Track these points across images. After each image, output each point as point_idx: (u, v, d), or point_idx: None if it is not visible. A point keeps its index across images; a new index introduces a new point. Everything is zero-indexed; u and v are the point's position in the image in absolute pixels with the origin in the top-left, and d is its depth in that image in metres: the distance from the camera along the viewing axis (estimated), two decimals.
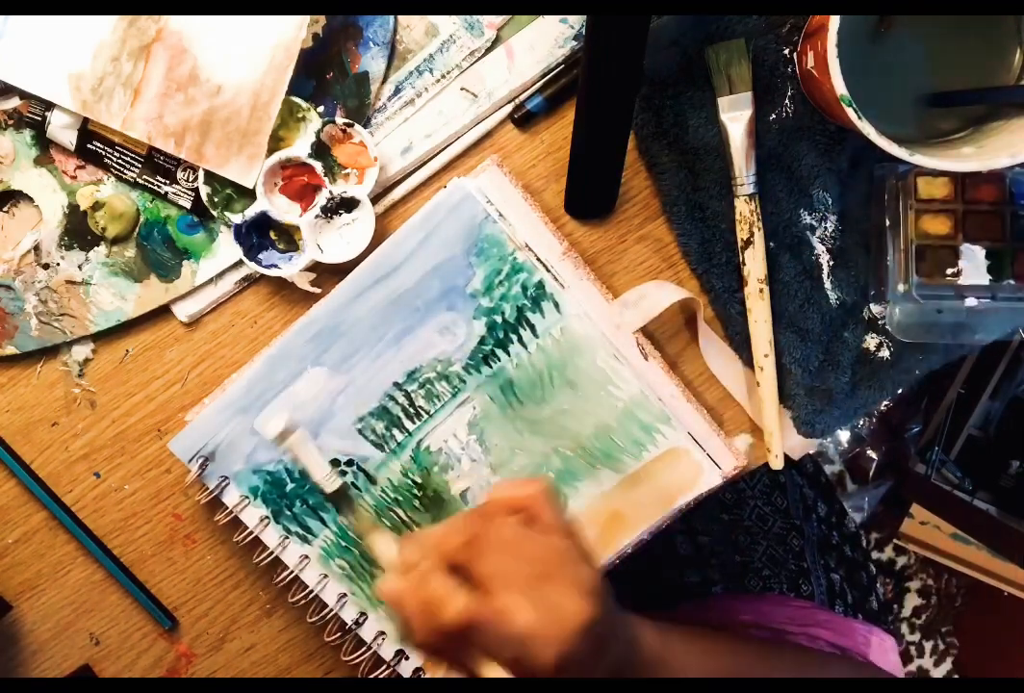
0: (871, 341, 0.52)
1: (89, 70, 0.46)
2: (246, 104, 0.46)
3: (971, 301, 0.49)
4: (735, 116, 0.48)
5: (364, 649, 0.52)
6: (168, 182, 0.49)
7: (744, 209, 0.49)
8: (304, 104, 0.47)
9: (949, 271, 0.49)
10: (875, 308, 0.51)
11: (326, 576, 0.52)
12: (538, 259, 0.49)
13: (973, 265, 0.49)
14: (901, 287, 0.49)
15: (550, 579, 0.37)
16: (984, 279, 0.49)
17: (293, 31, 0.46)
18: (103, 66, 0.46)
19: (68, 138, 0.49)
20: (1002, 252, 0.49)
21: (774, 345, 0.51)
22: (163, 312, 0.52)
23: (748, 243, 0.49)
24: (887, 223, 0.49)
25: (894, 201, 0.49)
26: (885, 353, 0.52)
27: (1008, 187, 0.49)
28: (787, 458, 0.53)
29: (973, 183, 0.48)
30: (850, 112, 0.41)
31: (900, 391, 0.53)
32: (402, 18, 0.49)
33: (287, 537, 0.51)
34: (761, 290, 0.50)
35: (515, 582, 0.36)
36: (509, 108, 0.50)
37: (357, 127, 0.48)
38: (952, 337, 0.50)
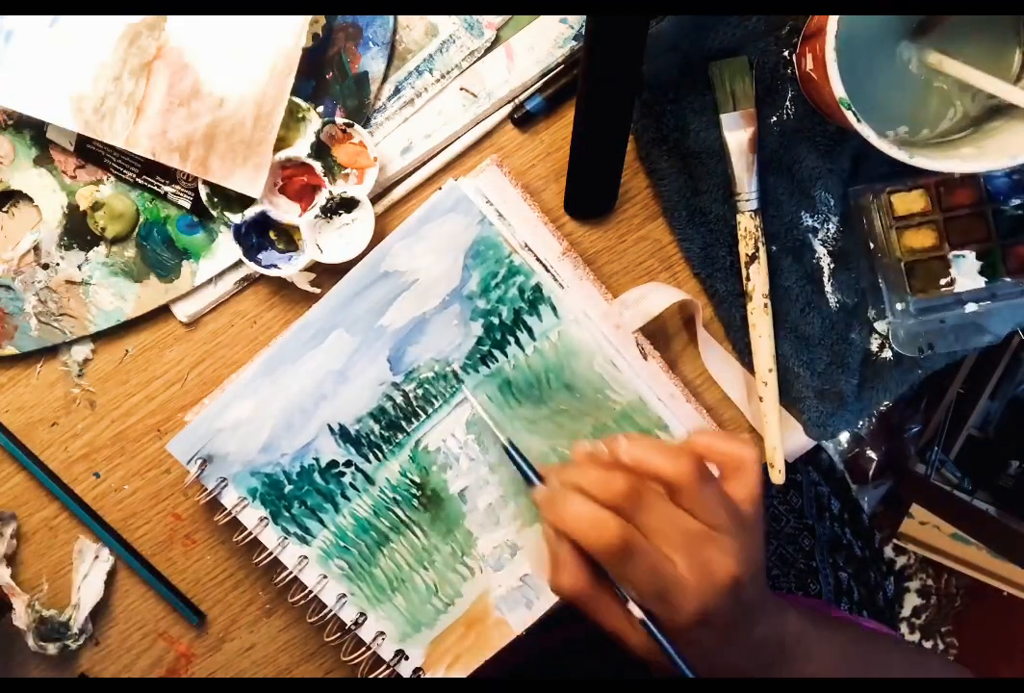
0: (874, 342, 0.52)
1: (91, 91, 0.46)
2: (249, 115, 0.46)
3: (971, 306, 0.49)
4: (738, 132, 0.48)
5: (364, 649, 0.52)
6: (168, 182, 0.49)
7: (749, 225, 0.49)
8: (304, 104, 0.47)
9: (943, 282, 0.49)
10: (879, 326, 0.51)
11: (325, 576, 0.52)
12: (537, 259, 0.49)
13: (965, 270, 0.49)
14: (899, 306, 0.49)
15: (711, 541, 0.38)
16: (979, 282, 0.49)
17: (293, 39, 0.46)
18: (104, 86, 0.46)
19: (68, 138, 0.49)
20: (991, 252, 0.49)
21: (778, 350, 0.51)
22: (163, 312, 0.52)
23: (753, 258, 0.49)
24: (871, 246, 0.49)
25: (873, 223, 0.49)
26: (888, 353, 0.52)
27: (983, 186, 0.48)
28: (791, 463, 0.53)
29: (948, 190, 0.48)
30: (849, 115, 0.41)
31: (904, 391, 0.53)
32: (402, 18, 0.48)
33: (286, 538, 0.51)
34: (766, 305, 0.50)
35: (675, 535, 0.37)
36: (509, 108, 0.50)
37: (357, 127, 0.48)
38: (960, 343, 0.50)
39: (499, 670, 0.53)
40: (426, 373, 0.50)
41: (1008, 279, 0.49)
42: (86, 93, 0.46)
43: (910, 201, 0.48)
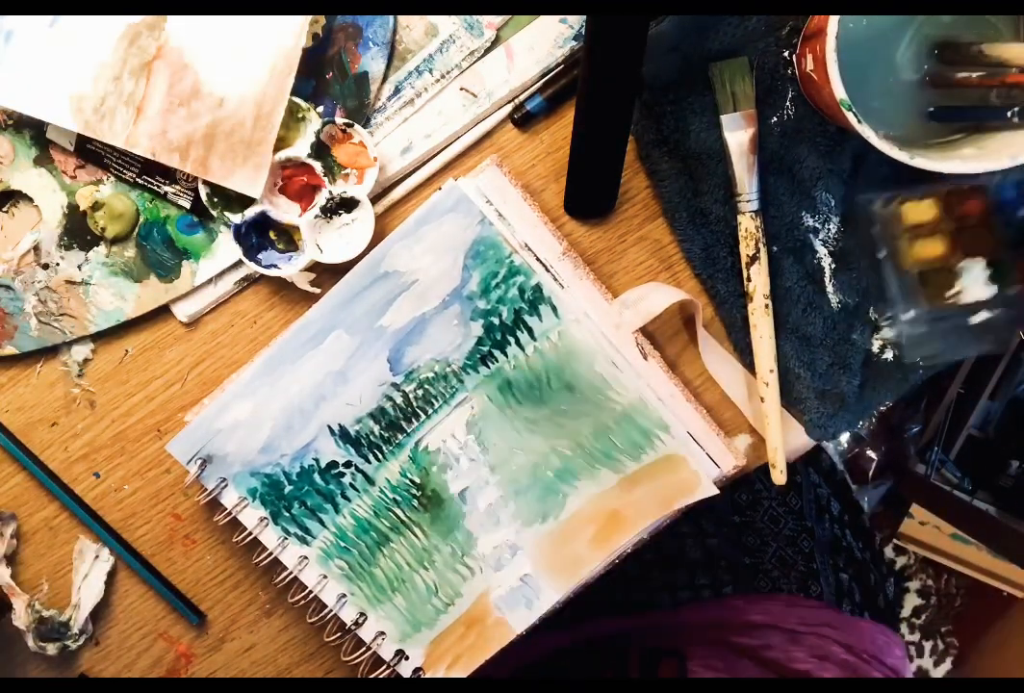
0: (875, 343, 0.52)
1: (91, 91, 0.46)
2: (249, 115, 0.46)
3: (980, 315, 0.49)
4: (739, 133, 0.48)
5: (364, 649, 0.52)
6: (168, 182, 0.49)
7: (749, 225, 0.49)
8: (304, 104, 0.47)
9: (952, 291, 0.49)
10: (887, 333, 0.51)
11: (325, 576, 0.52)
12: (537, 259, 0.49)
13: (975, 280, 0.48)
14: (907, 315, 0.49)
15: None
16: (989, 292, 0.49)
17: (293, 39, 0.46)
18: (104, 86, 0.46)
19: (68, 138, 0.49)
20: (1001, 262, 0.48)
21: (780, 351, 0.51)
22: (163, 312, 0.52)
23: (754, 259, 0.49)
24: (881, 255, 0.49)
25: (883, 232, 0.49)
26: (889, 354, 0.52)
27: (994, 196, 0.48)
28: (791, 464, 0.53)
29: (958, 199, 0.48)
30: (850, 116, 0.41)
31: (905, 391, 0.53)
32: (402, 18, 0.48)
33: (286, 538, 0.51)
34: (767, 306, 0.50)
35: None
36: (509, 108, 0.50)
37: (357, 127, 0.48)
38: (966, 350, 0.50)
39: (499, 670, 0.53)
40: (426, 373, 0.50)
41: (1018, 289, 0.48)
42: (86, 93, 0.46)
43: (920, 211, 0.48)
